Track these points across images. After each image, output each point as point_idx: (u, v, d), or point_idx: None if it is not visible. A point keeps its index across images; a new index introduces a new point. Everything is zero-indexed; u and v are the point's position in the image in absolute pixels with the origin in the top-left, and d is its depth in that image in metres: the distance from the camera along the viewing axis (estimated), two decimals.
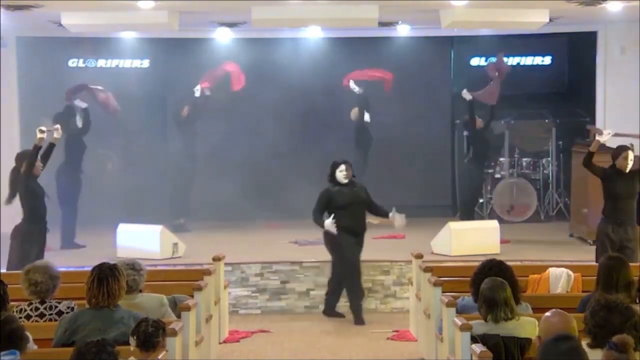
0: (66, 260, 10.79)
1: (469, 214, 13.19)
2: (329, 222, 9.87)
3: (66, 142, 12.37)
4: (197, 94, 13.53)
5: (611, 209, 9.35)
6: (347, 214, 9.94)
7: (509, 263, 6.77)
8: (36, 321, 6.25)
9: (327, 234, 10.05)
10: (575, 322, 4.87)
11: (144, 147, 14.25)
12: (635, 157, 12.25)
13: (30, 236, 9.67)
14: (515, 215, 14.34)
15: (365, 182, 13.68)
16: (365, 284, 10.89)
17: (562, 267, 7.86)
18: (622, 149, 9.41)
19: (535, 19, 12.46)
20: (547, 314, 4.94)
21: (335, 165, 10.12)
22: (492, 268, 6.53)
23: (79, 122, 12.72)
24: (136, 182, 13.91)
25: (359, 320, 10.11)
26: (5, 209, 13.61)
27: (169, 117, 14.36)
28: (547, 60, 15.60)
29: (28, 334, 5.40)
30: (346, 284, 10.17)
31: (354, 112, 13.81)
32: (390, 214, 10.20)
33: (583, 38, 14.88)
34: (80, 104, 12.77)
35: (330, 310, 10.35)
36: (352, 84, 13.69)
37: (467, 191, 13.40)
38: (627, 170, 9.33)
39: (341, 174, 10.03)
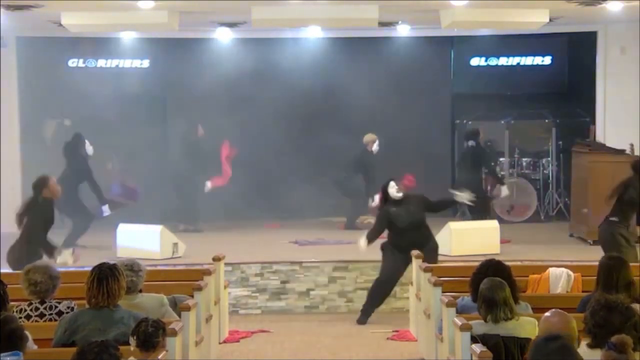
0: None
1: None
2: (362, 242, 9.92)
3: (71, 171, 12.44)
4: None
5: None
6: (407, 235, 9.83)
7: (509, 263, 6.77)
8: (36, 321, 6.25)
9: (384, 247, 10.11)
10: (574, 322, 4.87)
11: (143, 147, 14.23)
12: (635, 156, 12.34)
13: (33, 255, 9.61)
14: (515, 215, 14.34)
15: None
16: (365, 284, 10.91)
17: (562, 267, 7.86)
18: None
19: (535, 19, 12.46)
20: (547, 314, 4.95)
21: (385, 186, 9.99)
22: (490, 268, 6.53)
23: (89, 150, 12.74)
24: (136, 182, 13.91)
25: (362, 320, 10.12)
26: (6, 209, 13.66)
27: (170, 123, 14.28)
28: (547, 60, 15.60)
29: (28, 333, 5.41)
30: (376, 288, 10.18)
31: (372, 139, 13.77)
32: (456, 197, 10.23)
33: (583, 38, 14.87)
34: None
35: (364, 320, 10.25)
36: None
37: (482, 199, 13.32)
38: None
39: (393, 189, 9.90)
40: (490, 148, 13.77)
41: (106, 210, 12.68)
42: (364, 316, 10.15)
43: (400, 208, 9.89)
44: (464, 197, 10.12)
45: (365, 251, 10.04)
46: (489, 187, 14.57)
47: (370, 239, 9.95)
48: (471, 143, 13.18)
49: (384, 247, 10.09)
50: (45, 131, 14.37)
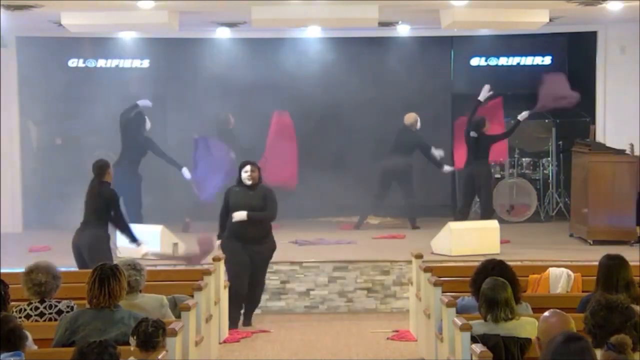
0: (66, 260, 10.77)
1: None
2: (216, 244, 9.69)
3: (133, 148, 12.51)
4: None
5: None
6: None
7: (508, 263, 6.77)
8: (36, 320, 6.26)
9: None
10: (573, 322, 4.86)
11: (143, 147, 14.20)
12: (635, 157, 12.33)
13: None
14: (515, 215, 14.34)
15: (366, 183, 13.78)
16: (365, 284, 10.91)
17: (562, 267, 7.86)
18: None
19: (535, 19, 12.47)
20: (546, 314, 4.94)
21: (240, 166, 9.69)
22: (494, 268, 6.51)
23: (148, 124, 12.84)
24: (135, 183, 13.88)
25: (247, 321, 9.87)
26: (5, 209, 13.66)
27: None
28: (547, 60, 15.60)
29: (28, 333, 5.41)
30: (233, 290, 9.56)
31: (413, 118, 13.76)
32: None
33: (583, 38, 14.88)
34: (145, 103, 12.95)
35: (232, 326, 9.69)
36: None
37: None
38: None
39: (245, 174, 9.56)
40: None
41: (187, 172, 12.85)
42: (232, 324, 9.66)
43: (242, 189, 9.57)
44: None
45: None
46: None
47: (220, 222, 9.71)
48: (472, 134, 13.02)
49: (222, 245, 9.66)
50: (31, 135, 14.40)
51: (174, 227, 12.12)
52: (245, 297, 9.69)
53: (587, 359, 4.22)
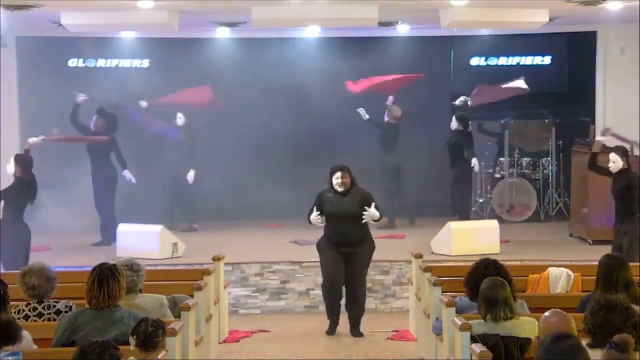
0: (66, 260, 10.79)
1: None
2: (314, 216, 9.42)
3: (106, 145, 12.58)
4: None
5: None
6: (339, 227, 9.36)
7: (509, 263, 6.79)
8: (35, 321, 6.26)
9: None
10: (574, 322, 4.87)
11: (143, 147, 14.22)
12: (635, 157, 12.34)
13: None
14: (515, 215, 14.34)
15: (367, 183, 13.77)
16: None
17: (562, 267, 7.86)
18: None
19: (535, 19, 12.48)
20: (547, 314, 4.95)
21: (331, 172, 9.48)
22: (488, 267, 6.53)
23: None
24: (135, 183, 13.89)
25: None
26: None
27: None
28: (547, 60, 15.60)
29: (27, 333, 5.42)
30: (325, 296, 9.55)
31: (397, 110, 13.82)
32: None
33: (583, 38, 14.88)
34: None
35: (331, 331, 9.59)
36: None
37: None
38: None
39: (337, 181, 9.38)
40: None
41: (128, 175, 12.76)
42: (331, 326, 9.57)
43: (335, 196, 9.38)
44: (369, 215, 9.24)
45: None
46: (488, 187, 14.59)
47: (309, 216, 9.50)
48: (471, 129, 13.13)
49: (318, 246, 9.60)
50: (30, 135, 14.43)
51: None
52: (340, 290, 9.43)
53: (577, 357, 4.23)
